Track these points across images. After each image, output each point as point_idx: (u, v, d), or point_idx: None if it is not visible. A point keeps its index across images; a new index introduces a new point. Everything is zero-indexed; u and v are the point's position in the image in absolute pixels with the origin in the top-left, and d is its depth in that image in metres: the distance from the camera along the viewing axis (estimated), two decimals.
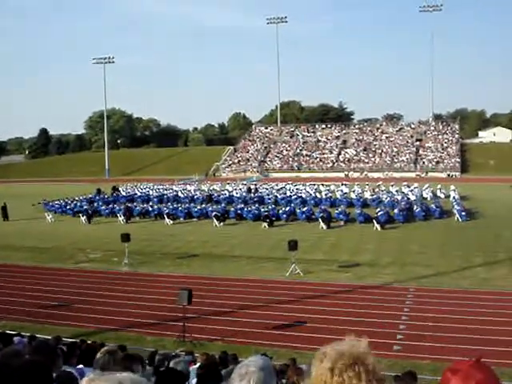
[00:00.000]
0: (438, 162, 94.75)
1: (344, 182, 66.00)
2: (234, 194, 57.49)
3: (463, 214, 42.03)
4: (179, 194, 59.49)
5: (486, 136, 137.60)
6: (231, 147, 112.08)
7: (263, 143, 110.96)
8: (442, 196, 55.62)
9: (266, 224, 40.63)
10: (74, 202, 52.87)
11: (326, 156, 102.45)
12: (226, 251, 32.27)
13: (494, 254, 29.44)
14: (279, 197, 54.12)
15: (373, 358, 2.05)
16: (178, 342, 17.37)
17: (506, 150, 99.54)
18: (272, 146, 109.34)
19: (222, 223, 42.27)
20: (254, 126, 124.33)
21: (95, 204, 53.35)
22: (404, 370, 10.72)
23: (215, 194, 57.75)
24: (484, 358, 2.22)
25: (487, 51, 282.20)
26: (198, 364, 8.42)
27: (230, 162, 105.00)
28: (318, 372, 2.03)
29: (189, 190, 62.94)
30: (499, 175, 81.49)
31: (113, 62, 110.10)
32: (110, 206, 51.17)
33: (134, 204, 53.04)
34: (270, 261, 29.14)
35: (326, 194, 55.74)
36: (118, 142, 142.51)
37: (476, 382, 2.12)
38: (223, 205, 48.88)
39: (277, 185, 65.75)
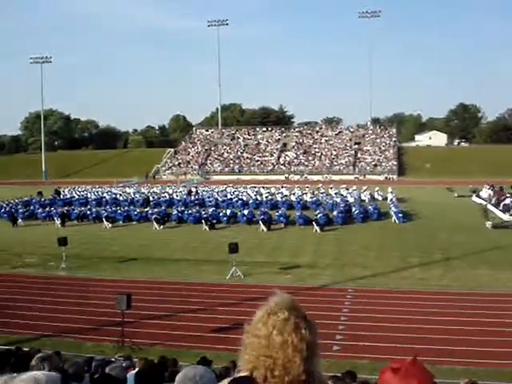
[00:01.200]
0: (375, 165, 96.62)
1: (284, 185, 66.51)
2: (175, 197, 57.04)
3: (400, 215, 43.00)
4: (118, 196, 58.55)
5: (422, 140, 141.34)
6: (172, 149, 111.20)
7: (204, 146, 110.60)
8: (380, 198, 56.71)
9: (206, 227, 40.47)
10: (10, 205, 51.29)
11: (266, 159, 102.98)
12: (166, 254, 31.95)
13: (429, 255, 30.22)
14: (220, 199, 54.02)
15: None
16: (116, 348, 17.05)
17: (441, 153, 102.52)
18: (213, 148, 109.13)
19: (161, 226, 41.86)
20: (194, 129, 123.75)
21: (31, 207, 51.89)
22: (344, 369, 10.82)
23: (155, 197, 57.22)
24: (420, 356, 2.22)
25: (424, 57, 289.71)
26: (136, 369, 8.25)
27: (171, 165, 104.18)
28: (257, 315, 2.17)
29: (128, 193, 62.04)
30: (435, 178, 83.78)
31: (50, 62, 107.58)
32: (47, 209, 49.85)
33: (72, 207, 51.83)
34: (210, 264, 29.01)
35: (266, 197, 56.02)
36: (56, 143, 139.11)
37: (418, 381, 2.14)
38: (163, 207, 48.39)
39: (217, 187, 65.64)
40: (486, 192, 57.26)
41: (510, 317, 19.47)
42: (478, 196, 57.33)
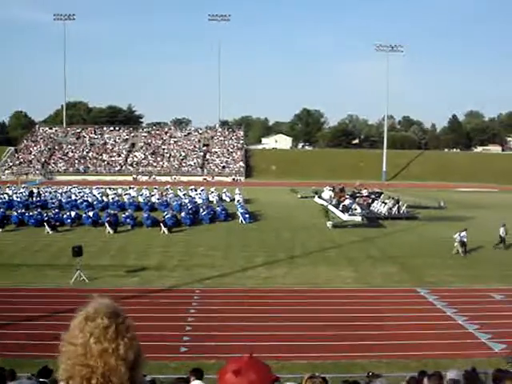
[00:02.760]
0: (224, 167, 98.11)
1: (132, 186, 65.42)
2: (15, 198, 53.89)
3: (247, 216, 43.95)
4: None
5: (269, 143, 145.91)
6: (12, 148, 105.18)
7: (47, 144, 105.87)
8: (228, 199, 57.65)
9: (49, 229, 38.65)
10: None
11: (113, 159, 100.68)
12: (5, 259, 30.02)
13: (274, 254, 31.14)
14: (64, 201, 51.92)
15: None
16: None
17: (286, 155, 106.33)
18: (57, 147, 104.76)
19: (0, 230, 39.37)
20: (37, 126, 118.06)
21: None
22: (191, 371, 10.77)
23: None
24: (262, 352, 2.23)
25: (271, 62, 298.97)
26: None
27: (11, 164, 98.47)
28: (74, 322, 2.08)
29: None
30: (280, 179, 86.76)
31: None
32: None
33: None
34: (53, 268, 27.66)
35: (113, 198, 54.72)
36: None
37: (256, 375, 2.18)
38: (2, 210, 45.48)
39: (61, 188, 63.03)
40: (327, 193, 60.18)
41: (348, 311, 20.57)
42: (320, 197, 60.12)
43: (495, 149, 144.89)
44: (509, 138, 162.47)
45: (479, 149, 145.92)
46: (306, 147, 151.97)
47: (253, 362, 2.26)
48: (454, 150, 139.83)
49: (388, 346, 17.24)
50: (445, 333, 18.60)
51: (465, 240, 31.49)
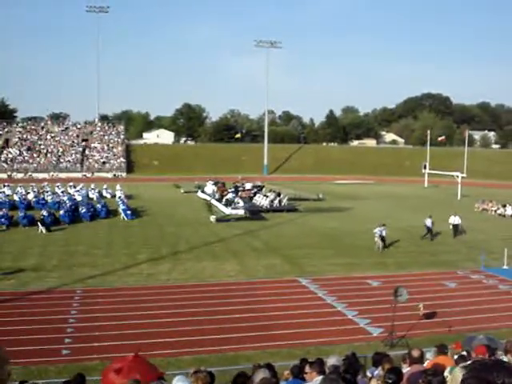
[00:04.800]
0: (104, 163, 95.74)
1: (6, 184, 62.32)
2: None
3: (129, 212, 43.21)
4: None
5: (150, 137, 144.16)
6: None
7: None
8: (109, 196, 56.41)
9: None
10: None
11: None
12: None
13: (158, 250, 30.84)
14: None
15: None
16: None
17: (168, 150, 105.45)
18: None
19: None
20: None
21: None
22: (74, 373, 10.44)
23: None
24: (144, 351, 2.19)
25: (150, 55, 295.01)
26: None
27: None
28: None
29: None
30: (162, 175, 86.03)
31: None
32: None
33: None
34: None
35: None
36: None
37: (140, 374, 2.16)
38: None
39: None
40: (210, 187, 60.40)
41: (232, 304, 20.78)
42: (203, 192, 60.24)
43: (370, 142, 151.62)
44: (383, 132, 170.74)
45: (355, 143, 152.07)
46: (189, 142, 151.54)
47: (137, 360, 2.23)
48: (332, 143, 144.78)
49: (271, 336, 17.61)
50: (326, 320, 19.29)
51: (384, 235, 32.26)
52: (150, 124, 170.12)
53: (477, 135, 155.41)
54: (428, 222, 35.77)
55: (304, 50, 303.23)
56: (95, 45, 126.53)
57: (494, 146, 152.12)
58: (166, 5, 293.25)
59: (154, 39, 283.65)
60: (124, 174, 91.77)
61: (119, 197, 50.69)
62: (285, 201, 50.82)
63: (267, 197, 50.89)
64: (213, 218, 42.22)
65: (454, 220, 37.20)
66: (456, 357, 10.41)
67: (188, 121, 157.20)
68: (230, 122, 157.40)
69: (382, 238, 32.29)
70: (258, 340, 17.24)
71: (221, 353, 16.19)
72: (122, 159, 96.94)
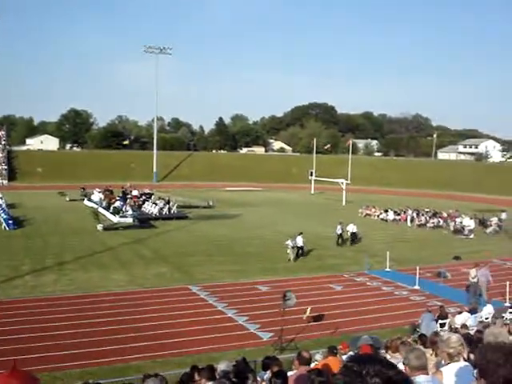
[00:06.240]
0: None
1: None
2: None
3: (10, 222, 41.34)
4: None
5: (34, 143, 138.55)
6: None
7: None
8: None
9: None
10: None
11: None
12: None
13: (42, 261, 29.68)
14: None
15: None
16: None
17: (53, 157, 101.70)
18: None
19: None
20: None
21: None
22: None
23: None
24: (27, 366, 2.13)
25: (35, 57, 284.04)
26: None
27: None
28: None
29: None
30: (47, 182, 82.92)
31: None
32: None
33: None
34: None
35: None
36: None
37: None
38: None
39: None
40: (97, 195, 58.88)
41: (121, 314, 20.37)
42: (90, 199, 58.66)
43: (259, 150, 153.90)
44: (271, 140, 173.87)
45: (244, 150, 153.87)
46: (75, 148, 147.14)
47: (15, 376, 2.14)
48: (221, 151, 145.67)
49: (162, 345, 17.44)
50: (217, 327, 19.37)
51: (301, 244, 32.08)
52: (33, 129, 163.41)
53: (360, 143, 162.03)
54: (338, 228, 37.08)
55: (196, 58, 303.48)
56: None
57: (377, 154, 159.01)
58: (54, 7, 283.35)
59: (40, 40, 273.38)
60: (5, 182, 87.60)
61: (0, 205, 48.32)
62: (174, 208, 50.54)
63: (156, 204, 50.39)
64: (100, 226, 41.21)
65: (353, 228, 38.52)
66: (344, 357, 10.82)
67: (74, 126, 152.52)
68: (118, 129, 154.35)
69: (301, 248, 32.28)
70: (148, 350, 17.01)
71: (110, 364, 15.82)
72: (3, 166, 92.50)
